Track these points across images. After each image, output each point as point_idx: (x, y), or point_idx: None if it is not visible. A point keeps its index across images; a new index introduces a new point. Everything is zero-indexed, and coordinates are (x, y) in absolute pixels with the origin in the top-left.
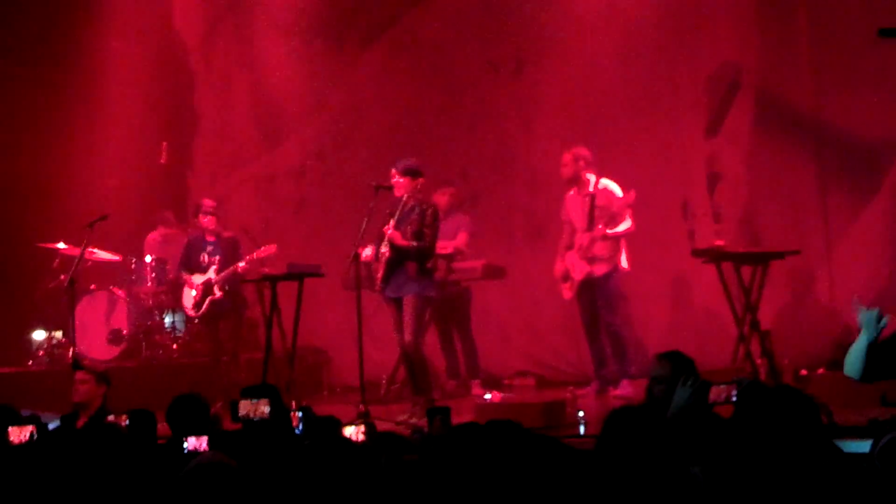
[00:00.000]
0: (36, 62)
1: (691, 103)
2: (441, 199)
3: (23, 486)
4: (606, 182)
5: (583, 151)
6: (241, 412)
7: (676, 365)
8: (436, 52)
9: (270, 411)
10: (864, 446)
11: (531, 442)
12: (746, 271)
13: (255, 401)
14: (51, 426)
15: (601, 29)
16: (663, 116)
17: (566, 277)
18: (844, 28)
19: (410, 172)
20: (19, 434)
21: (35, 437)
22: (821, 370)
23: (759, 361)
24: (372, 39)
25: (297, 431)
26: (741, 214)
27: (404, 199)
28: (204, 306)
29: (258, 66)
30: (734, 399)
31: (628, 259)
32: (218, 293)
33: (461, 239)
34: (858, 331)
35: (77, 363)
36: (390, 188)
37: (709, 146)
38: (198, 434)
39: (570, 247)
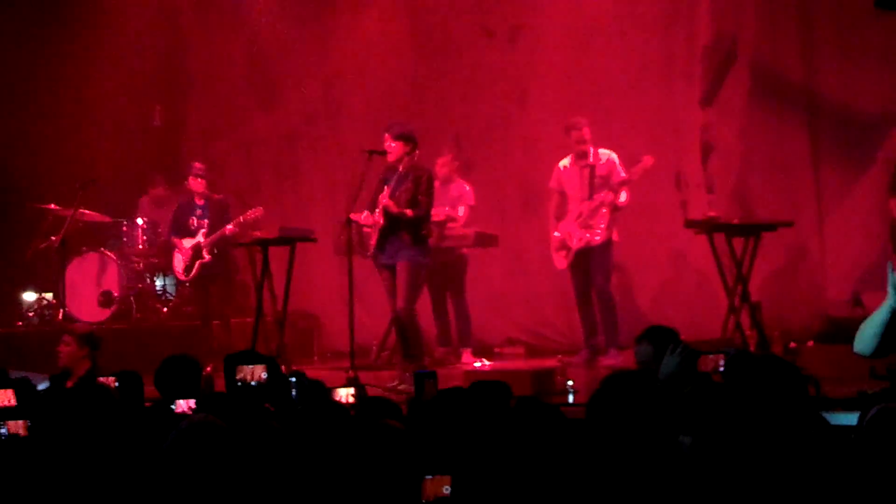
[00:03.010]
0: (28, 21)
1: (686, 73)
2: (441, 170)
3: (10, 447)
4: (607, 152)
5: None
6: (238, 376)
7: (657, 342)
8: (430, 17)
9: (268, 377)
10: (852, 419)
11: (520, 404)
12: (738, 243)
13: (252, 366)
14: (40, 387)
15: None
16: (658, 86)
17: (562, 247)
18: (841, 0)
19: (403, 137)
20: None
21: (15, 402)
22: (810, 342)
23: (748, 333)
24: (366, 4)
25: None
26: (734, 186)
27: (398, 166)
28: (194, 270)
29: (252, 29)
30: (722, 369)
31: (618, 231)
32: (207, 256)
33: (463, 213)
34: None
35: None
36: (384, 153)
37: (703, 117)
38: (188, 396)
39: (560, 217)
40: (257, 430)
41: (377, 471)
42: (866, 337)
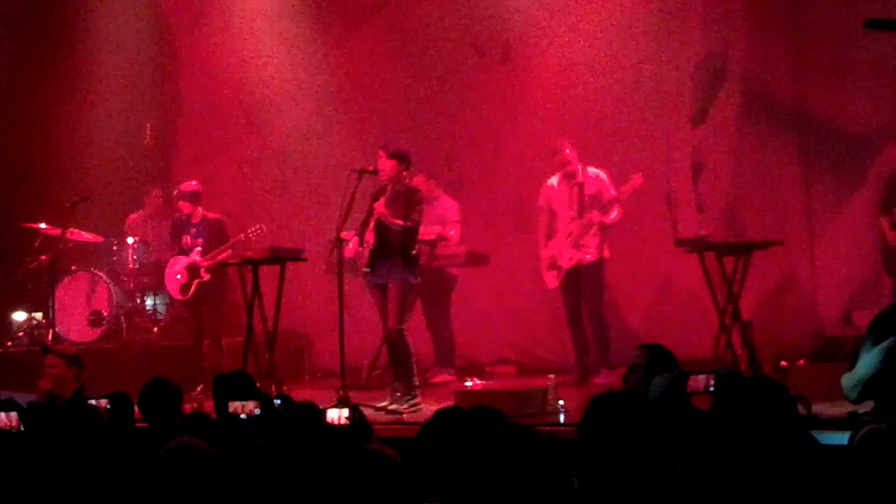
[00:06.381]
0: (18, 39)
1: (677, 93)
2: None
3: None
4: (595, 171)
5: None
6: (231, 409)
7: (653, 355)
8: (422, 36)
9: (260, 412)
10: (842, 438)
11: (508, 431)
12: (729, 262)
13: (244, 402)
14: (22, 402)
15: (588, 17)
16: (649, 105)
17: (553, 266)
18: (831, 19)
19: (398, 156)
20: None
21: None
22: (801, 361)
23: (739, 352)
24: (358, 23)
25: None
26: (725, 205)
27: (389, 184)
28: (191, 289)
29: (244, 48)
30: (712, 389)
31: (609, 249)
32: (205, 276)
33: (453, 232)
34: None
35: (46, 347)
36: (375, 172)
37: (694, 136)
38: (167, 419)
39: (550, 235)
40: (242, 453)
41: (367, 498)
42: (854, 387)
